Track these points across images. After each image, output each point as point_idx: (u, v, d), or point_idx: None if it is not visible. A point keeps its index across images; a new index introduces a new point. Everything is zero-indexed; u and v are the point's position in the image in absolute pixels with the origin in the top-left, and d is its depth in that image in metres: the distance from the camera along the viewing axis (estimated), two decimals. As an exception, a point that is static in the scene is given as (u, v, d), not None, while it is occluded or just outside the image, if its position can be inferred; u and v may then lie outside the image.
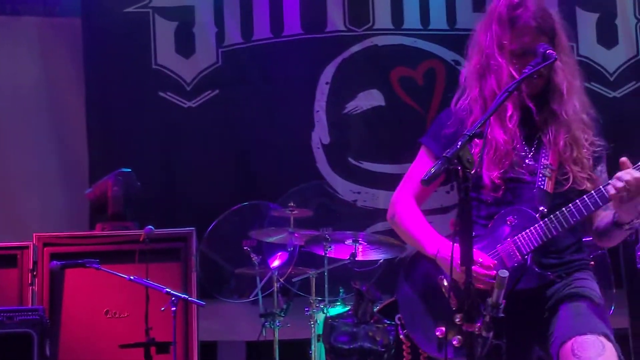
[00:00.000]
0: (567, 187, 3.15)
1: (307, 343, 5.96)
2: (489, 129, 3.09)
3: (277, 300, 6.18)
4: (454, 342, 2.89)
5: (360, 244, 6.04)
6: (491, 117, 2.98)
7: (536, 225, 3.05)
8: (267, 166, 7.72)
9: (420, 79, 7.91)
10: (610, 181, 3.00)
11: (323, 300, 5.99)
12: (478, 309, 2.71)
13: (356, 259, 6.02)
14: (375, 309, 5.66)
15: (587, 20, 7.99)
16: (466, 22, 7.96)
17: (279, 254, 6.33)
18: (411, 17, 7.93)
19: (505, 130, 3.20)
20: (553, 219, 3.03)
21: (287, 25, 7.87)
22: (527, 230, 3.06)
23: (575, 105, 3.25)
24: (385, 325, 5.54)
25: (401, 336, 3.04)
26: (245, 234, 6.43)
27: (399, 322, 3.04)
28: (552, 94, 3.24)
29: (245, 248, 6.33)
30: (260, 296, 6.37)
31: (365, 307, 5.51)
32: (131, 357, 5.59)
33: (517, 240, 3.06)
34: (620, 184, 2.95)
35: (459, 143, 2.77)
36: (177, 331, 5.47)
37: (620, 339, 5.45)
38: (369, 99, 7.86)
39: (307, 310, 6.00)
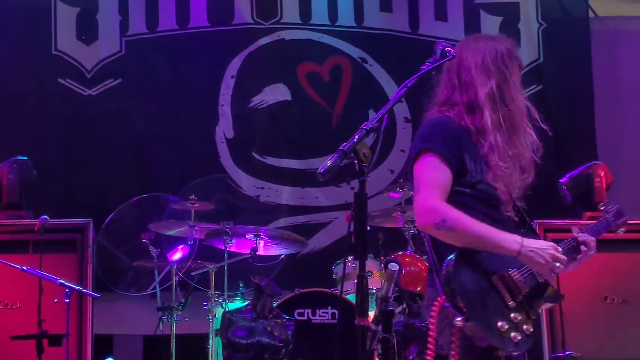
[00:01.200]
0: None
1: (204, 338, 5.91)
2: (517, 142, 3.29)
3: (176, 294, 6.10)
4: (518, 337, 2.99)
5: (261, 238, 6.01)
6: (517, 135, 3.28)
7: None
8: (169, 159, 7.62)
9: (326, 75, 7.93)
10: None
11: (222, 295, 5.93)
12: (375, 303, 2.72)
13: (257, 253, 5.98)
14: (274, 304, 5.63)
15: (490, 24, 8.13)
16: (373, 20, 8.03)
17: (179, 247, 6.25)
18: (319, 13, 7.95)
19: (527, 148, 3.37)
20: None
21: (193, 16, 7.78)
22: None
23: None
24: (284, 320, 5.52)
25: (459, 322, 2.92)
26: (145, 227, 6.31)
27: (458, 309, 2.94)
28: None
29: (143, 240, 6.21)
30: (158, 289, 6.28)
31: (264, 302, 5.47)
32: (23, 349, 5.45)
33: None
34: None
35: (356, 137, 2.76)
36: (71, 323, 5.35)
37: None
38: (275, 94, 7.83)
39: (206, 305, 5.94)
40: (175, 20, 7.77)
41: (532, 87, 8.08)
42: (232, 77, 7.76)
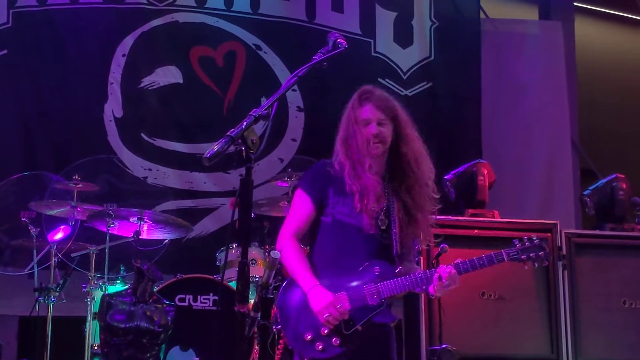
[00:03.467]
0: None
1: (82, 320, 5.78)
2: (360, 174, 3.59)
3: (54, 275, 5.95)
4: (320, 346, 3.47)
5: (145, 222, 5.92)
6: (357, 167, 3.57)
7: (395, 279, 3.57)
8: (54, 136, 7.40)
9: (220, 60, 7.86)
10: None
11: (102, 278, 5.82)
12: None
13: (140, 237, 5.89)
14: (155, 289, 5.56)
15: (385, 19, 8.22)
16: (270, 7, 8.01)
17: (60, 227, 6.10)
18: (215, -3, 7.88)
19: (373, 179, 3.61)
20: (414, 278, 3.60)
21: (85, -8, 7.60)
22: (388, 281, 3.56)
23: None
24: (165, 305, 5.46)
25: (274, 329, 3.48)
26: (25, 205, 6.14)
27: (274, 321, 3.44)
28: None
29: (23, 219, 6.04)
30: (36, 270, 6.11)
31: (145, 286, 5.40)
32: None
33: (380, 286, 3.55)
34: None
35: (244, 123, 2.75)
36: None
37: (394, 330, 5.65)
38: (167, 76, 7.72)
39: (85, 287, 5.81)
40: (67, -6, 7.56)
41: (422, 84, 8.23)
42: (124, 55, 7.60)
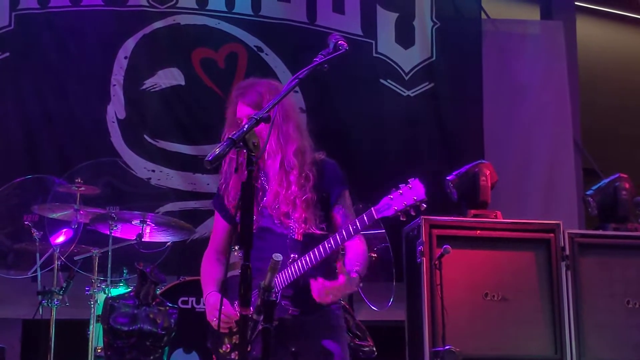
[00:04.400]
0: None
1: (85, 323, 5.78)
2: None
3: (57, 278, 5.95)
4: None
5: (147, 224, 5.93)
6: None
7: (285, 269, 3.35)
8: (56, 138, 7.41)
9: (221, 62, 7.86)
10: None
11: (105, 280, 5.82)
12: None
13: (143, 240, 5.89)
14: (158, 292, 5.56)
15: (386, 19, 8.22)
16: (270, 9, 8.01)
17: (63, 230, 6.10)
18: (216, -1, 7.88)
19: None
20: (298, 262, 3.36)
21: (87, -6, 7.60)
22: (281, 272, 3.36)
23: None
24: (167, 308, 5.47)
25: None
26: (28, 208, 6.15)
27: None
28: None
29: (26, 223, 6.05)
30: (39, 273, 6.11)
31: (147, 288, 5.41)
32: None
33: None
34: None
35: (246, 126, 2.75)
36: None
37: (396, 331, 5.67)
38: (169, 78, 7.72)
39: (88, 290, 5.82)
40: (68, -4, 7.57)
41: (424, 85, 8.22)
42: (126, 57, 7.61)
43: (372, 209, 3.22)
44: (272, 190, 3.46)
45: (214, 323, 3.41)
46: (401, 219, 3.22)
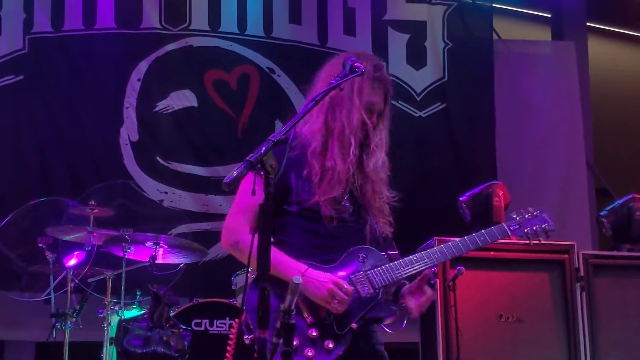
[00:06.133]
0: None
1: (99, 346, 5.78)
2: (329, 154, 3.27)
3: (71, 300, 5.96)
4: (310, 352, 3.08)
5: (161, 246, 5.93)
6: (335, 146, 3.24)
7: (387, 265, 3.25)
8: (70, 160, 7.44)
9: (234, 83, 7.89)
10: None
11: (118, 303, 5.82)
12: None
13: (156, 261, 5.90)
14: (171, 314, 5.55)
15: (398, 41, 8.25)
16: (282, 31, 8.05)
17: (76, 252, 6.11)
18: (228, 21, 7.93)
19: (345, 161, 3.27)
20: (404, 263, 3.27)
21: (100, 18, 7.65)
22: (379, 268, 3.24)
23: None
24: (181, 330, 5.44)
25: (247, 340, 3.08)
26: (42, 231, 6.16)
27: (244, 329, 3.09)
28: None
29: (40, 245, 6.06)
30: (52, 295, 6.12)
31: (161, 311, 5.38)
32: None
33: (370, 274, 3.23)
34: None
35: (263, 148, 2.75)
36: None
37: (411, 353, 5.62)
38: (181, 99, 7.76)
39: (101, 312, 5.82)
40: (81, 20, 7.62)
41: (436, 105, 8.24)
42: (139, 80, 7.65)
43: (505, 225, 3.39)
44: None
45: (335, 305, 3.10)
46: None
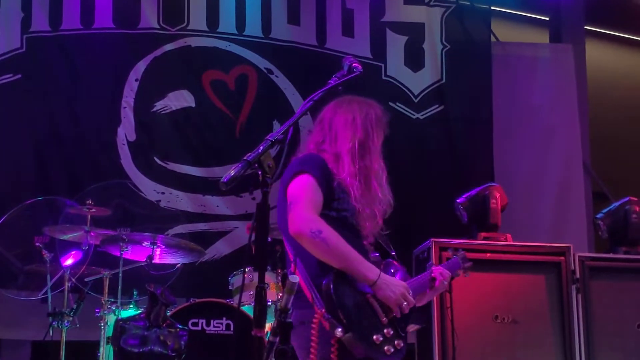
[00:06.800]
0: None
1: (95, 345, 5.78)
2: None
3: (68, 299, 5.96)
4: (391, 350, 3.22)
5: (158, 246, 5.93)
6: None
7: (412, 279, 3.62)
8: (67, 160, 7.43)
9: (232, 84, 7.89)
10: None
11: (115, 302, 5.83)
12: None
13: (153, 261, 5.90)
14: (168, 313, 5.56)
15: (396, 43, 8.25)
16: (280, 32, 8.05)
17: (73, 252, 6.11)
18: (226, 22, 7.93)
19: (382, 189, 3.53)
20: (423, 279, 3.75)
21: (98, 18, 7.64)
22: (412, 279, 3.59)
23: None
24: (178, 329, 5.45)
25: (340, 332, 3.09)
26: (39, 230, 6.15)
27: (338, 321, 3.11)
28: None
29: (37, 244, 6.05)
30: (49, 294, 6.11)
31: (158, 310, 5.39)
32: None
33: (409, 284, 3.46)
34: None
35: (261, 148, 2.76)
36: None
37: (407, 354, 5.65)
38: (179, 100, 7.75)
39: (98, 312, 5.82)
40: (79, 20, 7.61)
41: (434, 107, 8.24)
42: (137, 80, 7.65)
43: None
44: None
45: (404, 307, 3.32)
46: None
